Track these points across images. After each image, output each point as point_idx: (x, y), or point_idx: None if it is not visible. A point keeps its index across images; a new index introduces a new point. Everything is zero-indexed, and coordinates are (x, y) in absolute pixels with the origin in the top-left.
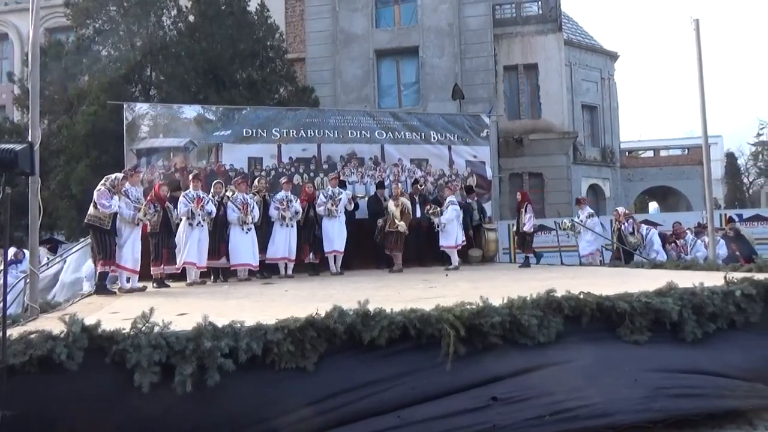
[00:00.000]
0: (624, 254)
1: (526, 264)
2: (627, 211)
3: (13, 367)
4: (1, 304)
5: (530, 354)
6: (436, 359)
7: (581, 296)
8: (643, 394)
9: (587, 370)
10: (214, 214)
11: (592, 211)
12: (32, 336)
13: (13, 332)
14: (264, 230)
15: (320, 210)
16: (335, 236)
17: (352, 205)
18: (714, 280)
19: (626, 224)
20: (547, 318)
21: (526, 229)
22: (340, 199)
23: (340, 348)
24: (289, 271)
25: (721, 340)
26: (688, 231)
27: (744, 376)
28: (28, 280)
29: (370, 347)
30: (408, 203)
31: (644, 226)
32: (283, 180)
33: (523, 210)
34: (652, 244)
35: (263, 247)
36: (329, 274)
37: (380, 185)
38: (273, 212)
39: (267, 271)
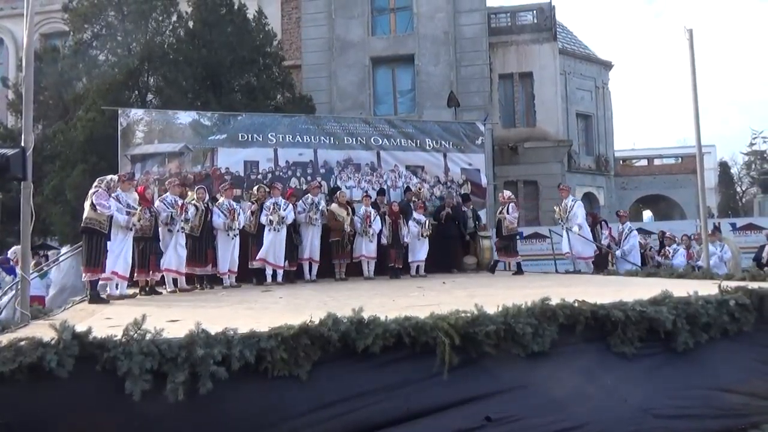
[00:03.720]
0: (500, 236)
1: (395, 275)
2: (511, 195)
3: (2, 374)
4: None
5: (523, 370)
6: (430, 369)
7: (576, 304)
8: (637, 414)
9: (580, 389)
10: (192, 220)
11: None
12: (22, 343)
13: (3, 339)
14: (257, 236)
15: (300, 218)
16: (312, 244)
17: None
18: (708, 288)
19: (504, 209)
20: (542, 326)
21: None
22: (320, 209)
23: (334, 356)
24: (276, 279)
25: (712, 352)
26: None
27: (738, 390)
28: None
29: (364, 355)
30: (341, 212)
31: (570, 197)
32: (275, 185)
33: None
34: (576, 217)
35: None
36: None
37: (381, 192)
38: (262, 218)
39: (255, 277)
